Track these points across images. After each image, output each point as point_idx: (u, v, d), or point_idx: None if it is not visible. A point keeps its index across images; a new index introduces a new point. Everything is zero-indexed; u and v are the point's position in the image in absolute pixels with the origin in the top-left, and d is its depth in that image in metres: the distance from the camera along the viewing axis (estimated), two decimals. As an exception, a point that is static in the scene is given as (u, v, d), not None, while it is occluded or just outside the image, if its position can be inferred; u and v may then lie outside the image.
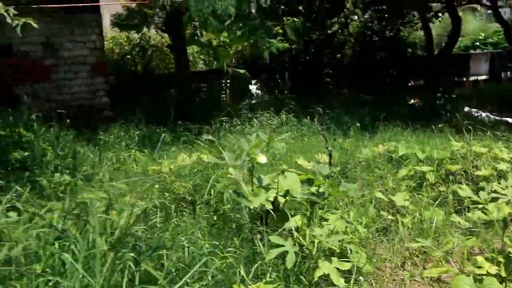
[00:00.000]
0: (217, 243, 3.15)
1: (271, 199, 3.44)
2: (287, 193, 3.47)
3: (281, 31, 12.65)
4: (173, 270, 2.76)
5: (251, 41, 11.77)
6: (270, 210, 3.40)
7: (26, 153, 6.48)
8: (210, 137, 3.26)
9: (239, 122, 8.82)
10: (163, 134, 6.56)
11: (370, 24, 15.91)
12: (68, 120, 7.86)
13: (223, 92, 13.36)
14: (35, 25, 5.20)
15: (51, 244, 2.42)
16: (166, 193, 4.85)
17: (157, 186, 4.96)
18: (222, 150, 3.39)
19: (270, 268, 3.19)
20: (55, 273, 2.27)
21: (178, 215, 4.23)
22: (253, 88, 14.62)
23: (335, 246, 3.35)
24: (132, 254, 2.36)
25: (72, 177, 5.87)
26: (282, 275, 3.08)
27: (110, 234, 2.65)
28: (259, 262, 3.16)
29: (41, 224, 2.86)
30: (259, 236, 3.61)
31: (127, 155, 6.35)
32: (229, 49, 13.16)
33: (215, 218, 3.82)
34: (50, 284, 2.24)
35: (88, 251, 2.26)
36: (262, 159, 3.55)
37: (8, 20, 5.09)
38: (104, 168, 6.01)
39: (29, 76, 9.53)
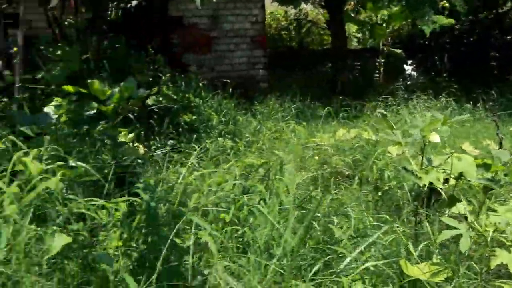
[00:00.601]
0: (387, 217, 3.13)
1: (441, 180, 3.32)
2: (460, 175, 3.32)
3: (447, 4, 11.77)
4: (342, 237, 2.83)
5: (411, 18, 11.29)
6: (441, 191, 3.28)
7: (194, 117, 7.05)
8: (383, 111, 3.22)
9: (394, 102, 8.57)
10: (326, 108, 6.63)
11: (551, 2, 14.18)
12: (230, 90, 8.35)
13: (377, 71, 13.04)
14: (213, -1, 5.55)
15: (240, 197, 2.64)
16: (324, 165, 4.93)
17: (316, 158, 5.06)
18: (393, 126, 3.34)
19: (437, 250, 3.10)
20: (242, 224, 2.48)
21: (337, 188, 4.29)
22: (408, 68, 14.03)
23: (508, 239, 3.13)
24: (318, 214, 2.48)
25: (234, 143, 6.25)
26: (449, 259, 2.98)
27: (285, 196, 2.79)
28: (425, 242, 3.09)
29: (221, 180, 3.11)
30: (416, 218, 3.52)
31: (285, 125, 6.56)
32: (385, 28, 12.75)
33: (380, 194, 3.80)
34: (238, 233, 2.45)
35: (273, 207, 2.42)
36: (435, 138, 3.43)
37: (190, -8, 5.50)
38: (263, 136, 6.29)
39: (196, 47, 10.25)
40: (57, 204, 2.32)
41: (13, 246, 2.17)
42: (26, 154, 2.78)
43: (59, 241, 2.06)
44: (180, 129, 6.57)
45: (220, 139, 6.31)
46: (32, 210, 2.42)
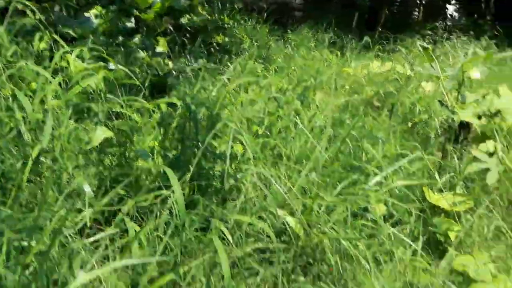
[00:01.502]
0: (417, 144, 3.15)
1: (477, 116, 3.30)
2: (497, 113, 3.28)
3: None
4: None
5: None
6: (473, 128, 3.27)
7: (227, 39, 7.00)
8: (424, 44, 3.13)
9: (431, 41, 8.34)
10: (362, 40, 6.50)
11: None
12: (265, 15, 8.21)
13: (416, 9, 12.57)
14: None
15: (275, 111, 2.68)
16: (355, 95, 4.91)
17: (347, 87, 5.04)
18: (435, 59, 3.28)
19: (461, 183, 3.13)
20: (274, 138, 2.53)
21: (365, 117, 4.29)
22: (450, 8, 13.47)
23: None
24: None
25: (265, 68, 6.23)
26: (473, 192, 3.02)
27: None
28: (451, 174, 3.11)
29: (255, 96, 3.15)
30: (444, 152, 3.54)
31: (317, 54, 6.47)
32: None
33: (409, 125, 3.80)
34: (271, 145, 2.51)
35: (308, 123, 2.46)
36: (475, 74, 3.36)
37: None
38: (295, 63, 6.23)
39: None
40: (98, 102, 2.39)
41: (56, 136, 2.27)
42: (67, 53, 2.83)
43: (101, 133, 2.15)
44: (212, 50, 6.55)
45: (250, 61, 6.29)
46: (73, 106, 2.51)
